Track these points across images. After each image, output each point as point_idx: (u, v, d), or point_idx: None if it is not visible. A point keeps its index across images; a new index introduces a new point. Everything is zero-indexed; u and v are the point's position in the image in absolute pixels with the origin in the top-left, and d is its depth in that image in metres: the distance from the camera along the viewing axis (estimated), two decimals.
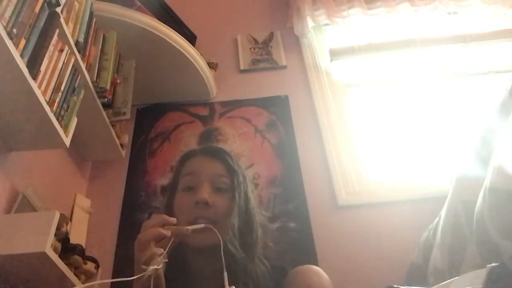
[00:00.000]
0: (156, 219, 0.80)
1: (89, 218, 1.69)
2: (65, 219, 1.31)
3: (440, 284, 0.84)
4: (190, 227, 0.81)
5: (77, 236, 1.54)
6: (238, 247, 0.93)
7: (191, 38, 2.13)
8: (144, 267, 0.72)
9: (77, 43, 1.36)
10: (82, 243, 1.53)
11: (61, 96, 1.21)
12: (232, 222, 0.95)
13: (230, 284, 0.77)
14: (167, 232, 0.78)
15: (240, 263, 0.91)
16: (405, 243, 1.47)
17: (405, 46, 2.14)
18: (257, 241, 0.99)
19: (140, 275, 0.72)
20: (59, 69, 1.20)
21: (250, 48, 2.29)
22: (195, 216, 0.92)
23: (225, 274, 0.79)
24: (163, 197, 1.13)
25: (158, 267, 0.72)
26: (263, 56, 2.25)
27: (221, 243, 0.83)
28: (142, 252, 0.75)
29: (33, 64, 1.06)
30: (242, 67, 2.21)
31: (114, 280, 0.80)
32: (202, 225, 0.85)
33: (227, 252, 0.87)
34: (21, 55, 1.02)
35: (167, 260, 0.76)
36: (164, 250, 0.76)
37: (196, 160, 1.06)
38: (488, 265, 0.75)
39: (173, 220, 0.80)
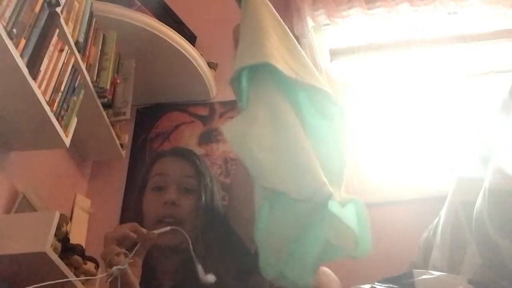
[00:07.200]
0: (129, 224, 0.82)
1: (89, 218, 1.69)
2: (65, 219, 1.31)
3: None
4: (156, 231, 0.82)
5: (77, 236, 1.54)
6: (201, 247, 0.94)
7: (191, 38, 2.13)
8: (108, 269, 0.74)
9: (77, 43, 1.36)
10: (82, 243, 1.54)
11: (61, 96, 1.21)
12: (195, 223, 0.98)
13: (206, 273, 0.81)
14: (134, 235, 0.79)
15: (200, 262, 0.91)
16: (405, 243, 1.47)
17: (405, 46, 2.14)
18: (222, 240, 1.00)
19: (103, 275, 0.75)
20: (59, 69, 1.20)
21: None
22: (162, 215, 0.97)
23: (199, 266, 0.82)
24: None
25: (122, 267, 0.73)
26: None
27: (190, 242, 0.85)
28: (105, 247, 0.78)
29: (33, 64, 1.06)
30: None
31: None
32: (168, 228, 0.85)
33: (188, 251, 0.88)
34: (21, 55, 1.02)
35: (131, 260, 0.77)
36: (130, 252, 0.77)
37: (165, 160, 1.09)
38: None
39: (144, 230, 0.81)
